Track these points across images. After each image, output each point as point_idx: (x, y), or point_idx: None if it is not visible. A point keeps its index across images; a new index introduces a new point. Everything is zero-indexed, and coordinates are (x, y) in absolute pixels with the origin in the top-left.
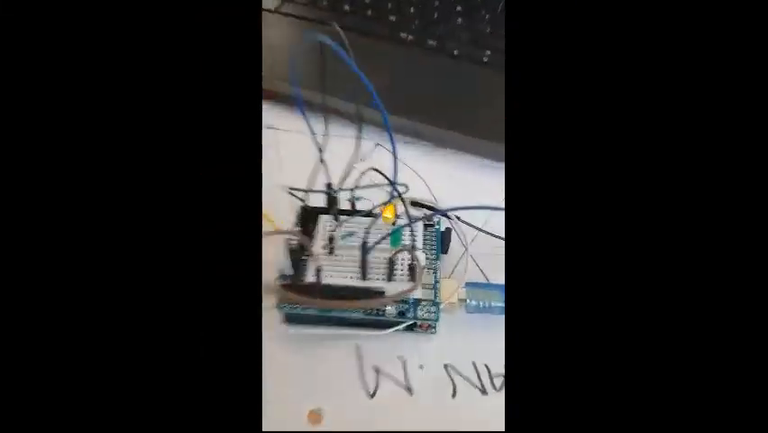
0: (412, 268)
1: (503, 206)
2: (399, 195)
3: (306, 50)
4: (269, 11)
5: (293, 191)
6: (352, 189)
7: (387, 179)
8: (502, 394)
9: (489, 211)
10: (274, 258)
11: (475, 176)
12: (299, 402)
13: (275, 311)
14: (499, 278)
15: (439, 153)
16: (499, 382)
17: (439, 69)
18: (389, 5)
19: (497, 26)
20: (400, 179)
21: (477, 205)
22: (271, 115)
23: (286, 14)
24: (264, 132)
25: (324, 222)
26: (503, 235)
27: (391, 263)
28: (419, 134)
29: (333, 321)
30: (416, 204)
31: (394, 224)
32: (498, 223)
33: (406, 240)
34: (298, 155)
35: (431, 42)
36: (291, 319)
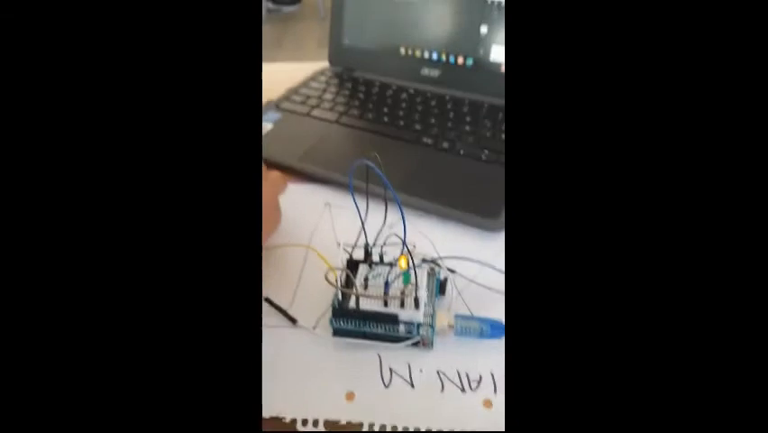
0: (416, 300)
1: (490, 263)
2: (409, 252)
3: (357, 167)
4: (330, 121)
5: (345, 247)
6: (380, 247)
7: (402, 241)
8: (476, 393)
9: (478, 265)
10: (332, 290)
11: (471, 240)
12: (340, 386)
13: (328, 326)
14: (480, 312)
15: (445, 224)
16: (474, 384)
17: (449, 164)
18: (416, 117)
19: (496, 132)
20: (415, 240)
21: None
22: (330, 196)
23: (344, 125)
24: (324, 206)
25: (362, 268)
26: (486, 285)
27: (403, 295)
28: (431, 210)
29: (364, 335)
30: (425, 260)
31: (407, 270)
32: (483, 275)
33: (413, 281)
34: (349, 223)
35: (444, 144)
36: (337, 332)
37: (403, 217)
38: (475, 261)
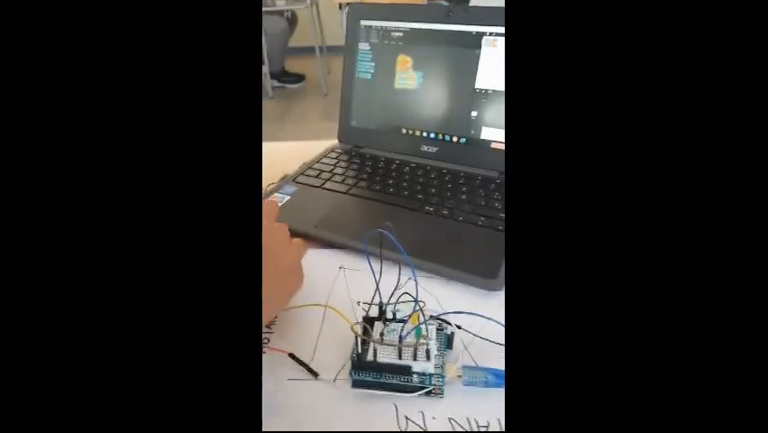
0: (428, 352)
1: (489, 316)
2: (420, 308)
3: (373, 235)
4: (341, 192)
5: (363, 305)
6: (393, 305)
7: (413, 298)
8: None
9: (483, 320)
10: (349, 346)
11: (473, 298)
12: None
13: (347, 378)
14: (484, 364)
15: (449, 284)
16: (483, 429)
17: (449, 229)
18: (418, 188)
19: (489, 200)
20: (423, 299)
21: (472, 312)
22: (344, 260)
23: (354, 195)
24: (339, 270)
25: (377, 325)
26: (490, 338)
27: (415, 349)
28: (436, 271)
29: (381, 386)
30: (433, 316)
31: (418, 325)
32: (486, 331)
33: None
34: (361, 285)
35: (444, 212)
36: (356, 384)
37: (415, 277)
38: (478, 315)
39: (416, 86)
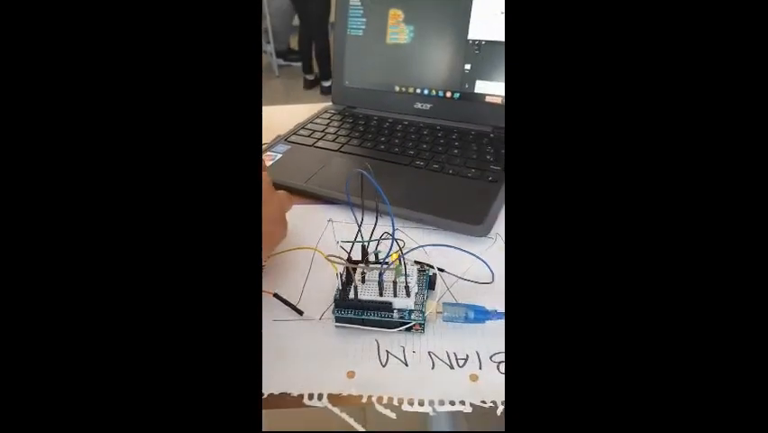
0: (407, 289)
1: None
2: (399, 246)
3: (353, 176)
4: (332, 150)
5: (340, 243)
6: (376, 243)
7: (392, 237)
8: (463, 369)
9: (465, 264)
10: (335, 282)
11: (459, 244)
12: (341, 366)
13: (332, 317)
14: (464, 300)
15: (434, 232)
16: (461, 362)
17: (438, 181)
18: (410, 144)
19: (481, 153)
20: (408, 245)
21: (446, 245)
22: (333, 213)
23: (345, 153)
24: (328, 222)
25: (360, 267)
26: (468, 278)
27: (395, 285)
28: (423, 220)
29: (363, 323)
30: (416, 262)
31: (398, 264)
32: (469, 273)
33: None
34: (350, 236)
35: (435, 166)
36: (339, 320)
37: (391, 215)
38: (461, 249)
39: (408, 40)
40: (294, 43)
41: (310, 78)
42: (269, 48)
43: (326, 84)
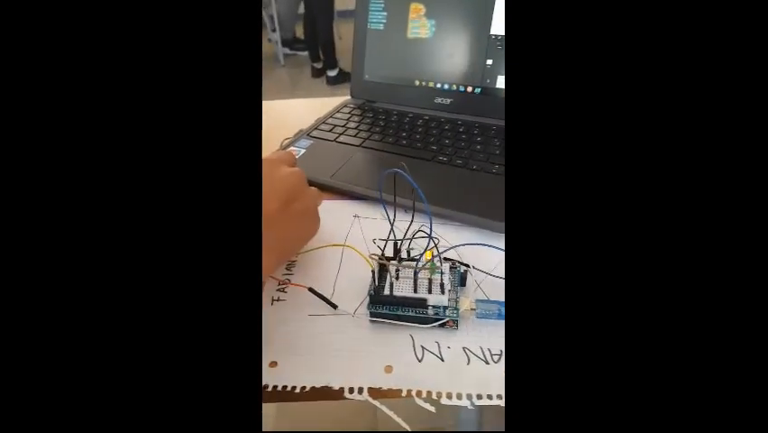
0: (442, 285)
1: (502, 253)
2: (435, 244)
3: (388, 175)
4: (355, 146)
5: (377, 241)
6: (409, 242)
7: (427, 235)
8: (498, 364)
9: (494, 260)
10: (368, 283)
11: (485, 240)
12: (379, 361)
13: (366, 312)
14: (496, 297)
15: (461, 228)
16: (496, 357)
17: (463, 177)
18: (432, 139)
19: (503, 148)
20: (437, 238)
21: (479, 243)
22: (358, 209)
23: (368, 148)
24: (354, 218)
25: (393, 263)
26: (497, 274)
27: (430, 282)
28: (448, 216)
29: (398, 318)
30: (446, 259)
31: (432, 261)
32: (498, 270)
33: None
34: (376, 232)
35: (458, 161)
36: (374, 315)
37: (429, 212)
38: (488, 245)
39: (429, 35)
40: (300, 32)
41: (318, 66)
42: (274, 36)
43: (332, 74)
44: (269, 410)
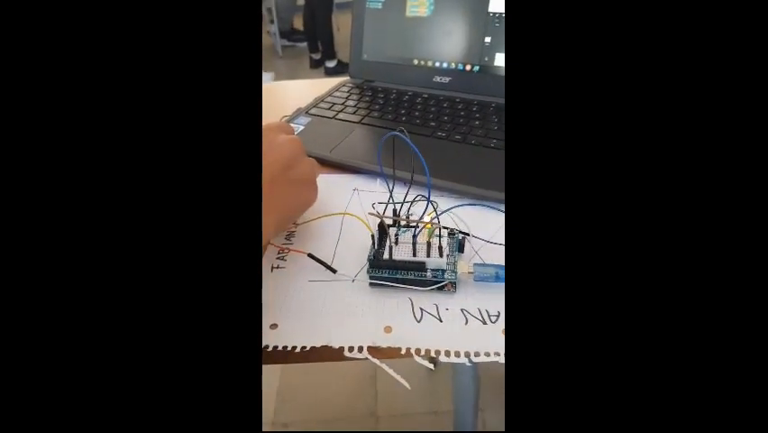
0: (440, 249)
1: (499, 221)
2: (434, 207)
3: (385, 143)
4: (354, 122)
5: (375, 206)
6: (409, 205)
7: (426, 198)
8: (495, 324)
9: (492, 229)
10: (367, 249)
11: (483, 210)
12: (378, 322)
13: (366, 277)
14: (494, 261)
15: (458, 199)
16: (494, 318)
17: (462, 151)
18: (430, 116)
19: (502, 125)
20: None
21: (475, 203)
22: (358, 183)
23: (367, 125)
24: (353, 191)
25: (392, 229)
26: (495, 241)
27: (429, 246)
28: (448, 188)
29: (397, 281)
30: (444, 227)
31: (430, 226)
32: (496, 237)
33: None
34: (374, 199)
35: (457, 137)
36: (373, 279)
37: (427, 175)
38: (493, 207)
39: (428, 13)
40: (298, 23)
41: (316, 57)
42: (272, 28)
43: (330, 65)
44: (268, 406)
